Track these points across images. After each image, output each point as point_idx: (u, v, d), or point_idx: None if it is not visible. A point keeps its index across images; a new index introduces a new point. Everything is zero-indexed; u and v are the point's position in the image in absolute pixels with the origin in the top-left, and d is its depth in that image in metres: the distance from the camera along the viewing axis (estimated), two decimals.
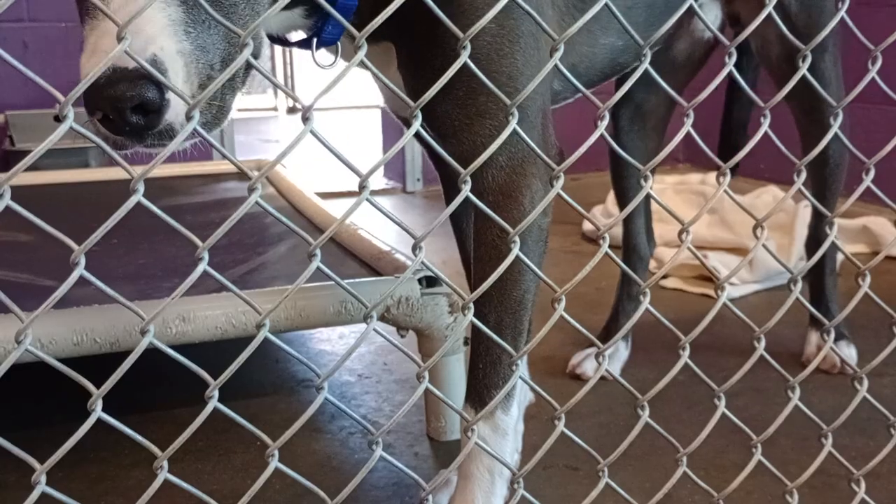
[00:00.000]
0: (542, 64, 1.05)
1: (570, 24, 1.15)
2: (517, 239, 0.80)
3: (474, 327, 0.98)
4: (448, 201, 1.37)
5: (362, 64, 0.69)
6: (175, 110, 0.76)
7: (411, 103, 0.72)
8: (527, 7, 0.77)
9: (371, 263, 1.65)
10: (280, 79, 6.88)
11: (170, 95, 0.75)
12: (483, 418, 1.07)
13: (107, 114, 0.73)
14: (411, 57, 1.05)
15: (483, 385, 1.09)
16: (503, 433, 1.10)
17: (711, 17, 1.63)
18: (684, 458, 0.98)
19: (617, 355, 1.86)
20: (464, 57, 0.73)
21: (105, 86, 0.71)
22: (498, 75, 1.01)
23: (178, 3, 0.77)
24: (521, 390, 1.27)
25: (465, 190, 0.76)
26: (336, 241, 1.79)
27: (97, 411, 0.64)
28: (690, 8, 0.81)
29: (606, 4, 0.78)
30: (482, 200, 1.00)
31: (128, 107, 0.72)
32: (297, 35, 1.07)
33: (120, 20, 0.61)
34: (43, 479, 0.62)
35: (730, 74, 0.85)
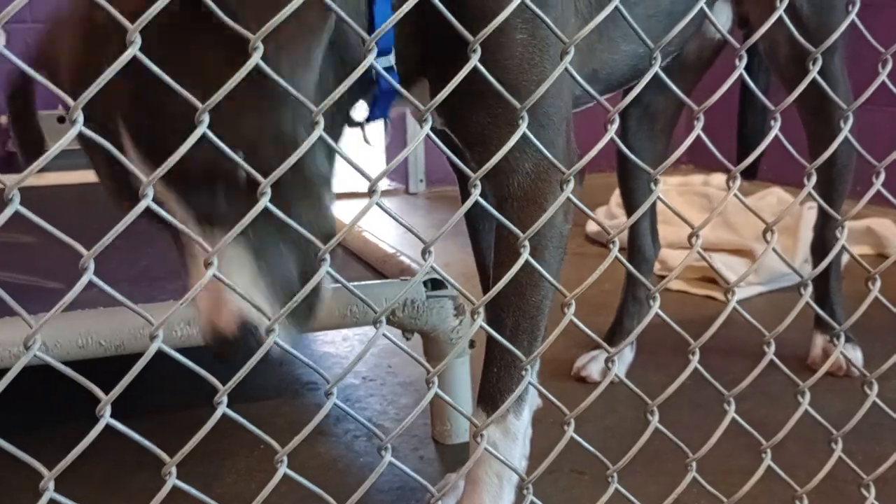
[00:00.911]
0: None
1: (592, 32, 1.16)
2: (527, 244, 0.80)
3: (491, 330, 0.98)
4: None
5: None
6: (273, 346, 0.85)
7: (421, 106, 0.72)
8: (539, 12, 0.77)
9: (376, 266, 1.65)
10: None
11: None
12: (495, 422, 1.07)
13: None
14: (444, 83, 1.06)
15: (496, 389, 1.08)
16: (514, 438, 1.10)
17: (723, 17, 1.63)
18: (693, 464, 0.97)
19: (622, 358, 1.85)
20: (473, 60, 0.73)
21: (217, 348, 0.89)
22: (528, 84, 1.02)
23: (246, 243, 0.84)
24: (530, 395, 1.27)
25: (475, 194, 0.75)
26: (340, 244, 1.78)
27: (105, 417, 0.63)
28: (703, 12, 0.81)
29: (618, 9, 0.78)
30: (506, 206, 1.02)
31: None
32: None
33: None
34: (51, 485, 0.62)
35: (741, 79, 0.84)
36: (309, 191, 0.91)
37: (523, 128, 0.78)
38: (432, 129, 0.71)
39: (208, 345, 0.89)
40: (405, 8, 0.68)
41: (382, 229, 1.80)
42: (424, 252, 0.74)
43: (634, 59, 1.32)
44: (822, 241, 1.85)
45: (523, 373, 0.86)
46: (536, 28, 1.02)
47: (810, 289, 0.95)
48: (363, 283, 1.49)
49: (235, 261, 0.84)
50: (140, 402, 1.66)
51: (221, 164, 0.75)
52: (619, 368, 1.83)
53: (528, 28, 1.02)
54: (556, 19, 1.04)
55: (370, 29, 0.96)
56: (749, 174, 1.86)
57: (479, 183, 0.76)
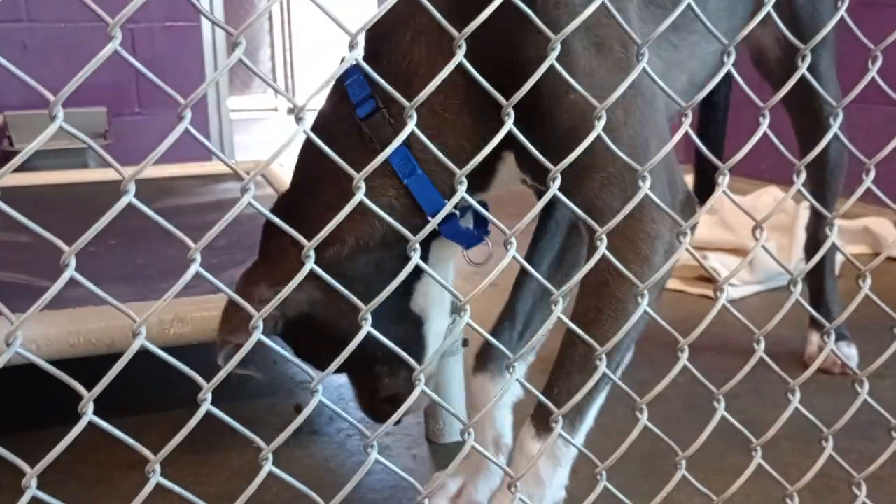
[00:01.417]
0: (656, 100, 1.05)
1: (669, 46, 1.16)
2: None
3: (562, 351, 1.08)
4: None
5: None
6: None
7: (406, 103, 0.72)
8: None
9: None
10: (280, 79, 6.88)
11: None
12: (542, 442, 1.06)
13: None
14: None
15: (551, 410, 1.07)
16: (557, 462, 1.07)
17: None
18: (683, 462, 0.97)
19: None
20: (468, 61, 0.73)
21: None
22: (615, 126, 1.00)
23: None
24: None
25: (461, 190, 0.75)
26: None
27: (88, 414, 0.63)
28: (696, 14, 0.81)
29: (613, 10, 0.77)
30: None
31: None
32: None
33: None
34: (33, 483, 0.62)
35: (724, 78, 0.84)
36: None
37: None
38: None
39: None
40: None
41: None
42: (411, 248, 0.74)
43: (717, 57, 1.31)
44: (816, 240, 1.85)
45: (509, 370, 0.85)
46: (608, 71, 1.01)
47: (800, 286, 0.95)
48: None
49: None
50: (134, 400, 1.66)
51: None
52: None
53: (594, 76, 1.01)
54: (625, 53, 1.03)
55: (413, 200, 1.06)
56: (709, 186, 1.84)
57: (464, 179, 0.75)
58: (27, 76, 0.59)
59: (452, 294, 0.80)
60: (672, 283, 2.42)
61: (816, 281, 1.86)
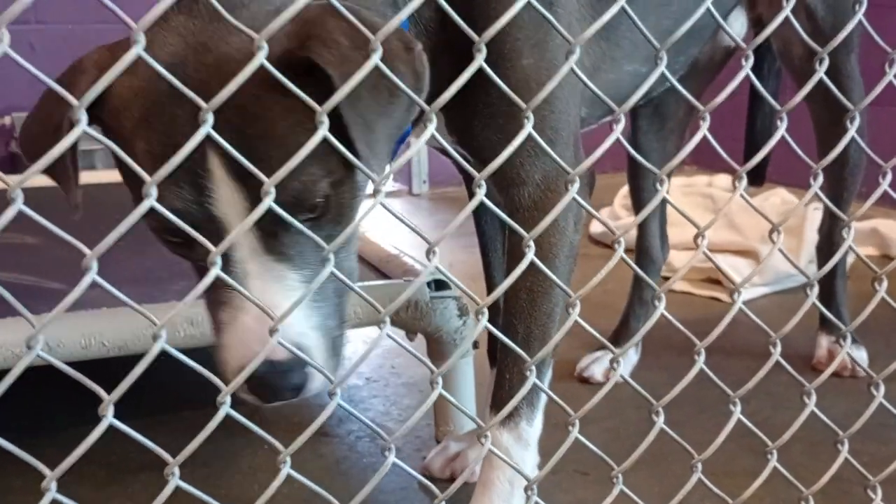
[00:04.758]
0: (575, 90, 1.11)
1: (593, 49, 1.18)
2: (532, 244, 0.79)
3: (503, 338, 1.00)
4: (476, 211, 1.41)
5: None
6: (315, 382, 0.87)
7: (426, 107, 0.72)
8: (543, 11, 0.76)
9: (379, 266, 1.64)
10: None
11: (310, 370, 0.84)
12: (507, 428, 1.09)
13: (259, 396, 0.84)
14: (457, 109, 1.09)
15: (509, 396, 1.09)
16: (525, 444, 1.11)
17: (738, 25, 1.62)
18: (699, 465, 0.97)
19: (626, 359, 1.85)
20: (479, 60, 0.73)
21: (262, 378, 0.80)
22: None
23: (300, 281, 0.81)
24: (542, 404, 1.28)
25: (480, 194, 0.75)
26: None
27: (108, 417, 0.63)
28: (716, 19, 0.81)
29: (626, 11, 0.77)
30: (518, 216, 1.08)
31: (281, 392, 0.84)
32: None
33: (256, 314, 0.73)
34: (53, 485, 0.62)
35: (750, 82, 0.84)
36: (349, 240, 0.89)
37: (528, 127, 0.77)
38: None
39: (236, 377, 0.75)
40: None
41: (385, 230, 1.79)
42: (429, 252, 0.74)
43: (638, 79, 1.33)
44: (829, 242, 1.84)
45: (528, 373, 0.86)
46: (544, 51, 1.07)
47: (816, 289, 0.94)
48: (366, 283, 1.49)
49: (294, 292, 0.80)
50: (143, 402, 1.66)
51: (311, 194, 0.79)
52: (625, 370, 1.82)
53: (535, 52, 1.06)
54: (560, 45, 1.06)
55: None
56: (757, 179, 1.85)
57: (483, 183, 0.75)
58: (33, 79, 0.59)
59: (469, 294, 0.80)
60: (680, 285, 2.42)
61: (828, 283, 1.86)
